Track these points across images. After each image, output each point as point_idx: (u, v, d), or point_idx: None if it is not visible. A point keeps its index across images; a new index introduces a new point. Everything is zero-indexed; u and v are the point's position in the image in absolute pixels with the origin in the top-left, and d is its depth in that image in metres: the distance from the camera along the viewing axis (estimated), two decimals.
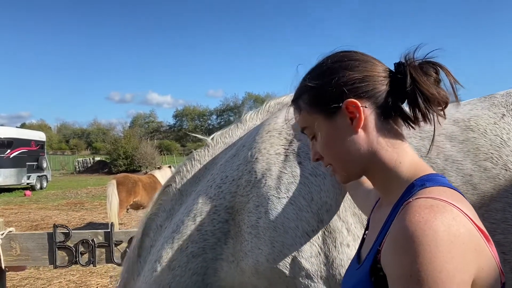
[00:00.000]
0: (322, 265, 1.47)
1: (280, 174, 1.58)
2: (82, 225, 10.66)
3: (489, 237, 0.81)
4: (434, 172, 0.95)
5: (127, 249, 2.47)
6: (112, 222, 3.25)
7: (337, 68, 0.99)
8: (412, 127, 0.99)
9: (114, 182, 8.93)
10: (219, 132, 1.97)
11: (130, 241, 2.51)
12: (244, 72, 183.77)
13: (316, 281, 1.46)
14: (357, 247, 1.49)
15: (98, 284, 5.89)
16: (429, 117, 0.95)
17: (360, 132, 0.96)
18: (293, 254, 1.48)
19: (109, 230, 2.58)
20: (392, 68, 1.00)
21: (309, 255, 1.47)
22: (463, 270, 0.73)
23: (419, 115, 0.95)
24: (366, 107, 0.95)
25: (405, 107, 1.00)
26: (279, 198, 1.53)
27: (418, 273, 0.72)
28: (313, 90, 1.01)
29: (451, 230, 0.74)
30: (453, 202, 0.80)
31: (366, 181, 1.37)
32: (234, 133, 1.94)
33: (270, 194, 1.55)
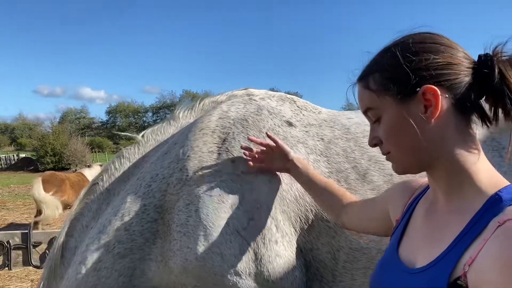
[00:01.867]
0: (250, 262, 1.48)
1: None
2: (3, 226, 9.88)
3: None
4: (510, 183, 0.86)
5: (47, 251, 2.33)
6: (30, 223, 3.05)
7: (420, 49, 0.89)
8: (488, 126, 0.91)
9: (39, 180, 8.48)
10: (150, 129, 1.92)
11: (50, 242, 2.38)
12: (182, 69, 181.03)
13: (244, 278, 1.48)
14: (285, 244, 1.53)
15: None
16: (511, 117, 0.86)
17: (433, 123, 0.87)
18: (222, 252, 1.48)
19: (26, 231, 2.42)
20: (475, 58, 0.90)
21: (238, 252, 1.48)
22: None
23: (501, 114, 0.87)
24: (446, 96, 0.86)
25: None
26: (210, 196, 1.53)
27: None
28: (389, 70, 0.92)
29: None
30: None
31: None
32: (166, 130, 1.90)
33: (201, 193, 1.54)
